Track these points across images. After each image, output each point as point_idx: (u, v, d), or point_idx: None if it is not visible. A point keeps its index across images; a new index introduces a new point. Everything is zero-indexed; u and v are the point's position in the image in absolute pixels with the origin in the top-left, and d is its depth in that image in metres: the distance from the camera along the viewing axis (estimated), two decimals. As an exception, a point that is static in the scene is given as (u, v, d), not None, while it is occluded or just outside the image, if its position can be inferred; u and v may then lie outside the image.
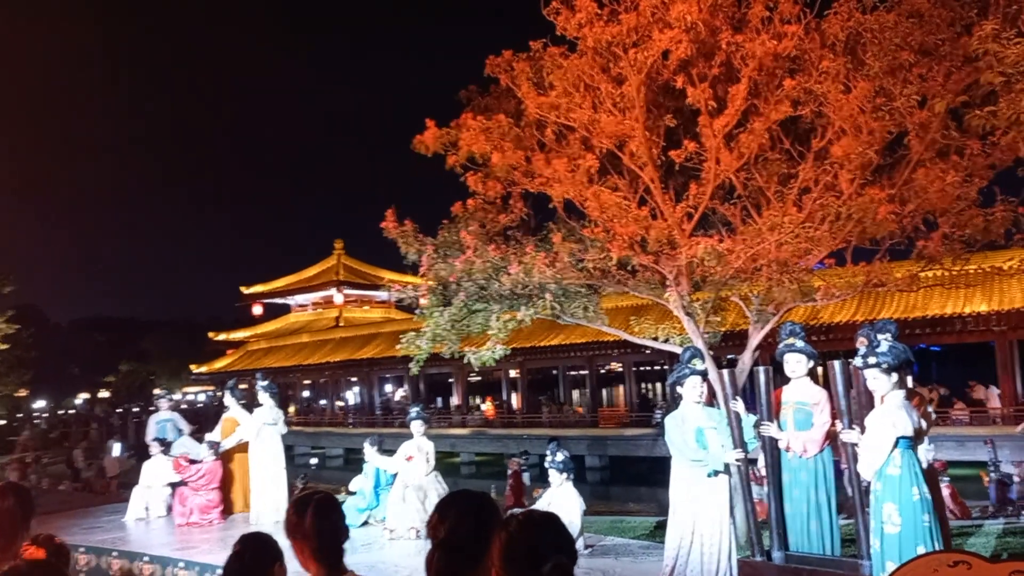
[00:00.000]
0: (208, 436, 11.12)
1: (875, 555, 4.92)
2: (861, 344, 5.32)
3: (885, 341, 5.10)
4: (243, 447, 10.67)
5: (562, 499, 7.71)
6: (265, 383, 10.59)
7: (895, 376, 4.97)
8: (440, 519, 2.07)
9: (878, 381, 4.98)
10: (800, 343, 5.79)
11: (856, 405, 5.19)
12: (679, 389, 6.04)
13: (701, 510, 5.87)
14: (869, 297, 21.05)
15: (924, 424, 5.02)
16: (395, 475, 9.50)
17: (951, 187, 7.54)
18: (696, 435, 5.91)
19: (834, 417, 5.52)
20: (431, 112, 9.45)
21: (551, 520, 1.95)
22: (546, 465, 8.00)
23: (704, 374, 6.10)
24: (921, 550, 4.64)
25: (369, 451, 10.03)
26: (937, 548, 4.69)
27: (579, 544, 7.56)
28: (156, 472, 11.29)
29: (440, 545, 2.02)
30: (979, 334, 20.63)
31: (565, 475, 7.84)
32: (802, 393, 5.79)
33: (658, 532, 9.88)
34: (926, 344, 25.47)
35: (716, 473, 5.90)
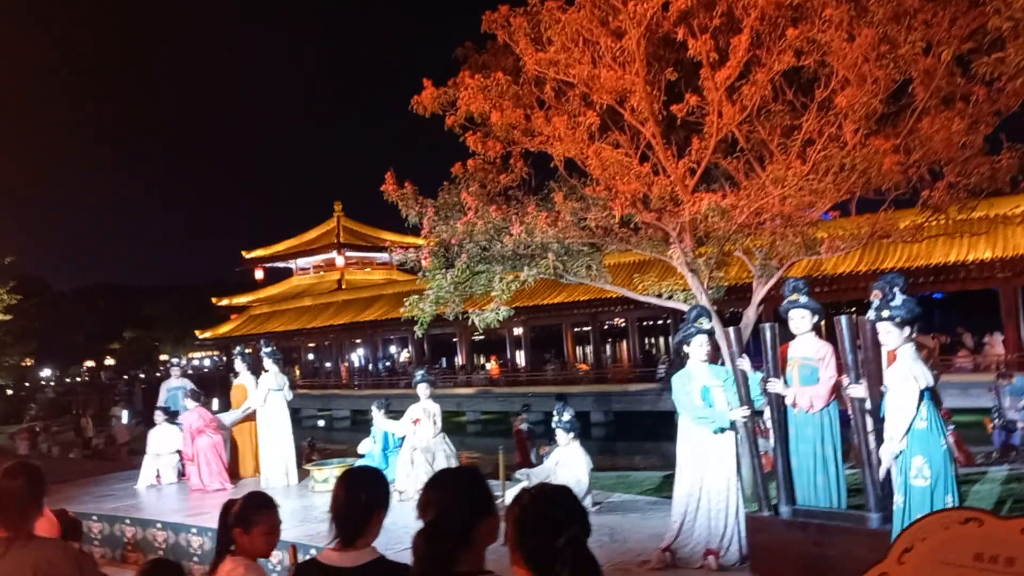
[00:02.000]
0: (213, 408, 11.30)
1: (898, 511, 4.88)
2: (875, 297, 5.28)
3: (900, 294, 5.06)
4: (252, 413, 10.77)
5: (570, 458, 7.76)
6: (269, 349, 10.68)
7: (907, 330, 4.95)
8: (428, 499, 2.01)
9: (891, 335, 4.96)
10: (804, 299, 5.76)
11: (863, 359, 5.17)
12: (685, 348, 6.04)
13: (708, 468, 5.91)
14: (872, 247, 20.93)
15: (936, 375, 5.01)
16: (403, 438, 9.57)
17: (957, 135, 7.44)
18: (702, 393, 5.92)
19: (840, 371, 5.51)
20: (430, 71, 9.31)
21: (563, 493, 1.95)
22: (553, 425, 8.06)
23: (711, 333, 6.09)
24: (949, 501, 4.65)
25: (376, 415, 10.09)
26: (956, 501, 4.70)
27: (587, 502, 7.63)
28: (163, 440, 11.40)
29: (425, 529, 1.96)
30: (983, 281, 20.59)
31: (572, 434, 7.89)
32: (807, 349, 5.77)
33: (665, 487, 9.96)
34: (928, 292, 25.46)
35: (722, 430, 5.92)
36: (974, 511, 3.10)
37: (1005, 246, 20.02)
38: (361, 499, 2.53)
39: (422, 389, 9.56)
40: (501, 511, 1.96)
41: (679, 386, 6.01)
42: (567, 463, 7.74)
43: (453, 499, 1.97)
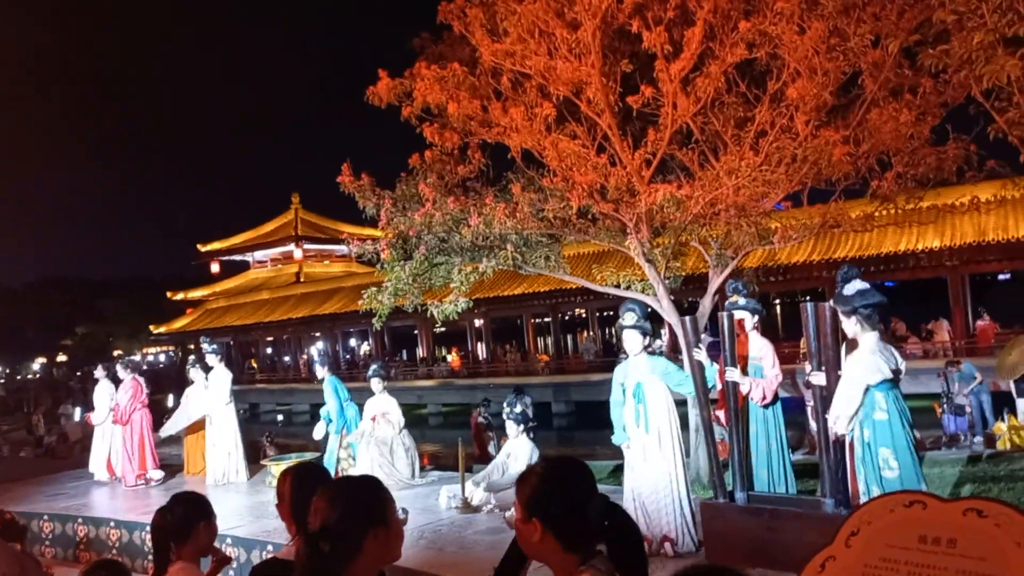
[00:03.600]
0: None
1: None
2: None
3: (857, 284, 5.14)
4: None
5: (519, 451, 7.81)
6: (213, 347, 10.62)
7: (854, 319, 5.03)
8: (316, 506, 1.87)
9: (847, 324, 5.04)
10: (742, 300, 5.86)
11: (822, 346, 5.24)
12: (623, 343, 6.05)
13: (637, 479, 5.93)
14: (825, 237, 21.28)
15: (902, 363, 5.04)
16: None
17: (904, 126, 7.59)
18: (635, 391, 6.00)
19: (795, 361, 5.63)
20: (386, 62, 9.23)
21: (580, 463, 1.92)
22: (504, 416, 8.05)
23: (640, 329, 6.03)
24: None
25: (376, 386, 9.67)
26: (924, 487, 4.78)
27: None
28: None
29: (309, 537, 1.83)
30: (932, 269, 21.10)
31: (521, 427, 7.87)
32: (751, 348, 5.89)
33: (617, 474, 10.10)
34: (880, 281, 25.99)
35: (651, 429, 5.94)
36: (918, 494, 3.17)
37: (952, 235, 20.52)
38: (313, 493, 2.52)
39: (375, 384, 9.47)
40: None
41: (613, 382, 6.17)
42: (517, 456, 7.79)
43: (343, 508, 1.84)
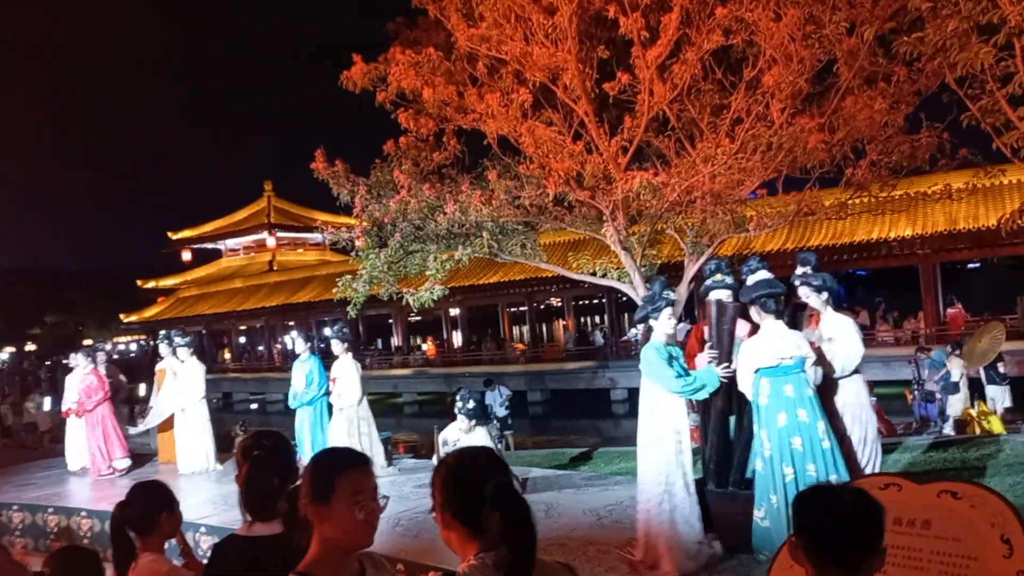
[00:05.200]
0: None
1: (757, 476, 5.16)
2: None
3: (755, 276, 5.32)
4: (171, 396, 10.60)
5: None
6: (184, 340, 10.50)
7: (766, 307, 5.11)
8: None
9: (753, 312, 5.20)
10: (729, 279, 5.81)
11: (720, 338, 5.36)
12: (652, 322, 5.43)
13: (686, 441, 5.37)
14: (799, 225, 21.47)
15: (799, 347, 5.08)
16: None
17: (879, 114, 7.65)
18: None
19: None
20: (360, 47, 9.15)
21: (483, 450, 1.98)
22: (456, 411, 7.85)
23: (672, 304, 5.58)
24: (788, 471, 4.87)
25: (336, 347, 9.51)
26: (814, 470, 4.84)
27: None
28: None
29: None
30: (904, 258, 21.32)
31: (473, 422, 7.71)
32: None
33: (581, 462, 10.15)
34: (853, 269, 26.24)
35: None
36: (893, 477, 3.20)
37: (924, 223, 20.77)
38: (272, 474, 2.51)
39: (335, 346, 9.04)
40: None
41: (654, 357, 5.28)
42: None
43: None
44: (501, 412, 14.77)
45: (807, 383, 5.05)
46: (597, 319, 42.15)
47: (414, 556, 5.96)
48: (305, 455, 8.86)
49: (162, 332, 11.29)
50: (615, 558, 5.45)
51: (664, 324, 5.37)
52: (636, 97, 8.24)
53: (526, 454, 12.33)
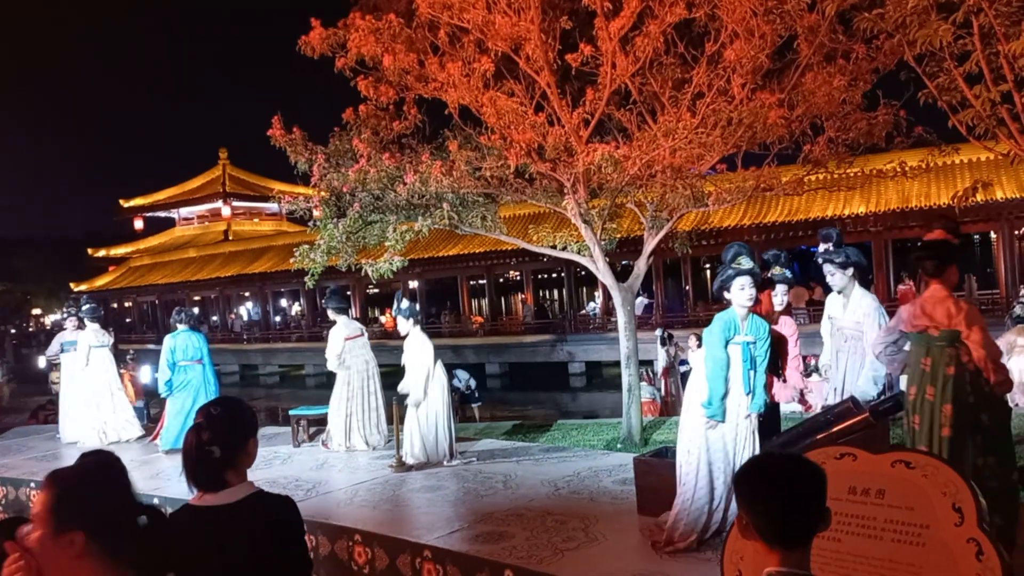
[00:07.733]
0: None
1: None
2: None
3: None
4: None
5: (413, 342, 8.13)
6: (88, 307, 10.63)
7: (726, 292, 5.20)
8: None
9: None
10: (788, 272, 5.93)
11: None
12: (726, 295, 5.16)
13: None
14: (757, 201, 21.73)
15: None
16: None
17: (837, 91, 7.72)
18: (743, 352, 5.17)
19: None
20: (319, 11, 8.92)
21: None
22: (392, 314, 8.26)
23: (753, 273, 5.16)
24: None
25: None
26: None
27: (433, 388, 8.14)
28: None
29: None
30: (857, 235, 21.70)
31: (411, 320, 8.17)
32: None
33: (539, 433, 10.24)
34: (807, 246, 26.65)
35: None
36: (849, 447, 3.26)
37: (878, 201, 21.15)
38: (213, 444, 2.48)
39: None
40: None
41: (714, 326, 5.13)
42: (410, 346, 8.06)
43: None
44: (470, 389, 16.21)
45: None
46: (555, 293, 42.31)
47: (372, 527, 5.95)
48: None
49: (69, 300, 11.54)
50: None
51: (737, 295, 5.13)
52: (599, 69, 8.20)
53: (483, 426, 12.39)
